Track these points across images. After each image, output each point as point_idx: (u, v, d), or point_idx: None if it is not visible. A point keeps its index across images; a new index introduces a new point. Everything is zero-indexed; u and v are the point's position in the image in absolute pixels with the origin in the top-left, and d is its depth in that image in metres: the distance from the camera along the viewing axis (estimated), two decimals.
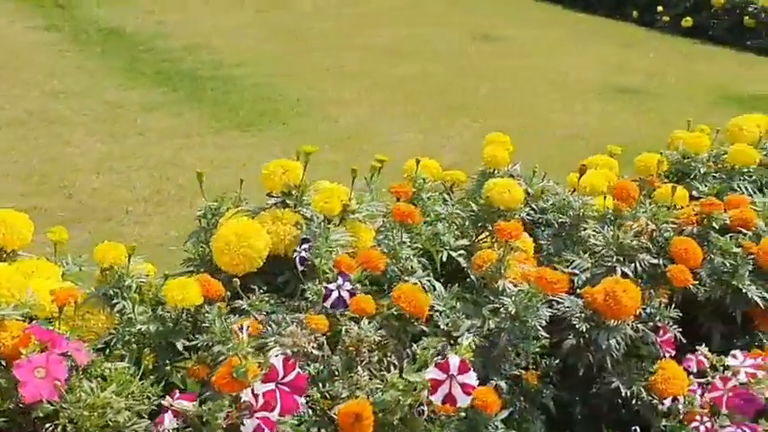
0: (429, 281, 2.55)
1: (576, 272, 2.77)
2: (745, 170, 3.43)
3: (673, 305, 2.75)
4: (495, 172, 3.02)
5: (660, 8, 10.88)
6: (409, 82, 7.15)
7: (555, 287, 2.36)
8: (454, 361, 1.92)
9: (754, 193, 3.30)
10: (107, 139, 5.35)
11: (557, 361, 2.56)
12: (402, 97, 6.75)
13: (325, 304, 2.19)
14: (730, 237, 2.91)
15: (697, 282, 2.79)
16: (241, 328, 1.95)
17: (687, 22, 10.62)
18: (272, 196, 2.52)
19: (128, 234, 4.06)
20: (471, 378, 1.93)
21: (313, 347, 2.08)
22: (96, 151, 5.15)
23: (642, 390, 2.52)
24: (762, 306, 2.77)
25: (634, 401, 2.53)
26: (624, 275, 2.68)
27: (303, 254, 2.28)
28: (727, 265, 2.80)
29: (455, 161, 4.72)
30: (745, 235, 2.93)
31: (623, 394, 2.52)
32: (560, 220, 2.94)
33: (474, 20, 9.95)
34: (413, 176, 2.86)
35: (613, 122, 6.68)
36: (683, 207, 3.12)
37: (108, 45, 7.60)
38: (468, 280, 2.63)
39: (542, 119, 6.59)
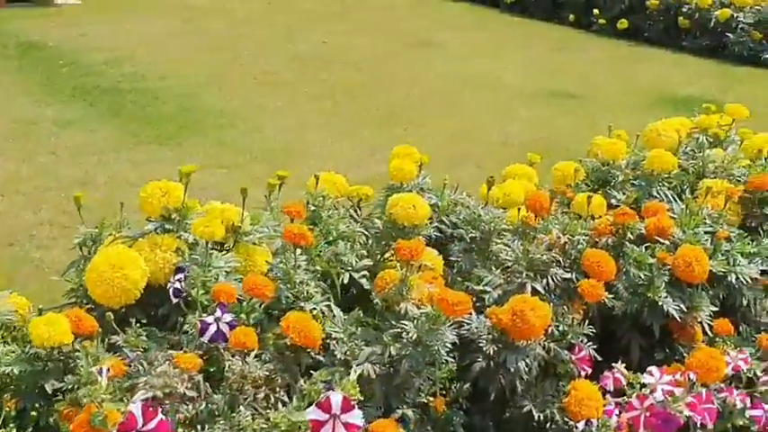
0: (328, 306, 2.40)
1: (488, 289, 2.64)
2: (665, 176, 3.34)
3: (588, 321, 2.64)
4: (403, 186, 2.87)
5: (596, 11, 10.87)
6: (340, 90, 6.99)
7: (457, 309, 2.22)
8: (336, 399, 1.77)
9: (674, 199, 3.20)
10: (17, 158, 5.10)
11: (467, 385, 2.43)
12: (331, 106, 6.59)
13: (202, 339, 2.02)
14: (646, 247, 2.80)
15: (612, 295, 2.68)
16: (101, 371, 1.78)
17: (623, 24, 10.63)
18: (152, 221, 2.34)
19: (29, 260, 3.83)
20: (356, 417, 1.78)
21: (187, 388, 1.91)
22: (4, 171, 4.90)
23: (556, 412, 2.40)
24: (678, 319, 2.66)
25: (548, 425, 2.41)
26: (534, 292, 2.56)
27: (177, 285, 2.10)
28: (642, 276, 2.69)
29: (383, 171, 4.55)
30: (662, 244, 2.83)
31: (537, 418, 2.39)
32: (471, 235, 2.80)
33: (409, 26, 9.84)
34: (313, 193, 2.70)
35: (546, 127, 6.60)
36: (600, 216, 3.02)
37: (27, 59, 7.31)
38: (376, 303, 2.48)
39: (474, 125, 6.48)
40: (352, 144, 5.64)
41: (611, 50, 9.97)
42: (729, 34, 10.01)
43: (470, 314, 2.38)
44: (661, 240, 2.84)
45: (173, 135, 5.51)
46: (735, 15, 10.07)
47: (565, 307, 2.60)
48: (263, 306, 2.32)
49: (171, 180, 2.41)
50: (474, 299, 2.62)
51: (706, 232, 2.93)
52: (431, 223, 2.78)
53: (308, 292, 2.37)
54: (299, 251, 2.44)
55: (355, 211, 2.89)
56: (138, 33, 8.32)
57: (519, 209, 2.91)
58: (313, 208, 2.64)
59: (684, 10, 10.39)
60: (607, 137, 3.54)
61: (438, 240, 2.88)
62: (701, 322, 2.77)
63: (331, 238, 2.64)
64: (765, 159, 3.49)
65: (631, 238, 2.80)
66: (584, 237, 2.72)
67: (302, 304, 2.35)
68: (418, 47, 8.88)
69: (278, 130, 5.85)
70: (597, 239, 2.80)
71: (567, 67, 8.84)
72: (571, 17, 11.08)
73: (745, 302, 2.91)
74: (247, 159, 5.19)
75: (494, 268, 2.70)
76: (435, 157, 5.89)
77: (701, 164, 3.43)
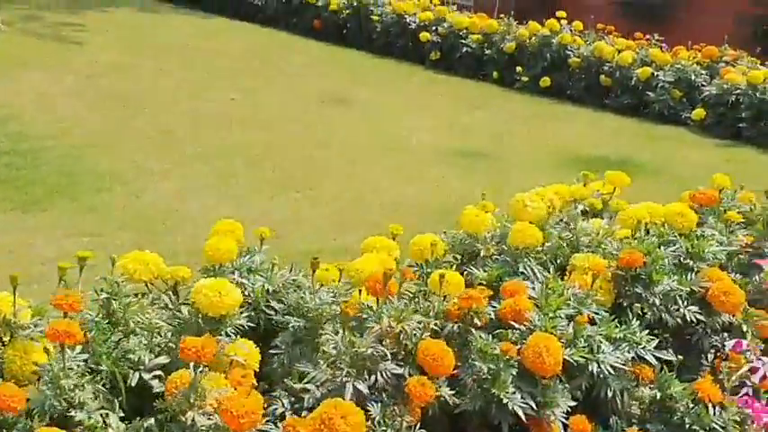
0: (106, 415, 2.04)
1: (310, 387, 2.31)
2: (537, 250, 3.06)
3: (428, 421, 2.32)
4: (221, 268, 2.54)
5: (519, 68, 10.78)
6: (238, 151, 6.67)
7: (243, 423, 1.88)
8: None
9: (543, 276, 2.91)
10: None
11: None
12: (224, 168, 6.25)
13: None
14: (495, 335, 2.51)
15: (454, 391, 2.37)
16: None
17: (545, 82, 10.57)
18: None
19: None
20: None
21: None
22: None
23: None
24: (524, 418, 2.35)
25: None
26: (356, 392, 2.23)
27: None
28: (487, 370, 2.38)
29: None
30: (515, 330, 2.53)
31: None
32: (297, 324, 2.47)
33: (326, 83, 9.59)
34: (108, 279, 2.35)
35: (451, 189, 6.35)
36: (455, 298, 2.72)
37: None
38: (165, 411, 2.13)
39: (375, 187, 6.19)
40: (237, 210, 5.28)
41: (533, 108, 9.85)
42: (650, 92, 9.99)
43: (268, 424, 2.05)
44: (516, 326, 2.55)
45: (40, 200, 5.12)
46: (655, 74, 10.07)
47: (396, 408, 2.28)
48: (34, 414, 1.97)
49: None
50: (292, 399, 2.31)
51: (567, 315, 2.65)
52: (249, 310, 2.45)
53: (80, 400, 2.01)
54: (78, 348, 2.09)
55: (170, 298, 2.54)
56: (36, 90, 7.92)
57: (360, 291, 2.60)
58: (105, 295, 2.28)
59: (606, 68, 10.38)
60: (474, 207, 3.27)
61: (267, 329, 2.56)
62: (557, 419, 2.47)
63: (128, 331, 2.29)
64: (647, 232, 3.24)
65: (478, 324, 2.51)
66: (419, 325, 2.41)
67: (73, 413, 2.00)
68: (331, 105, 8.62)
69: (159, 194, 5.48)
70: (441, 327, 2.49)
71: (484, 125, 8.66)
72: (495, 74, 10.98)
73: (610, 394, 2.62)
74: (115, 228, 4.81)
75: (321, 363, 2.37)
76: (328, 222, 5.66)
77: (574, 237, 3.16)
